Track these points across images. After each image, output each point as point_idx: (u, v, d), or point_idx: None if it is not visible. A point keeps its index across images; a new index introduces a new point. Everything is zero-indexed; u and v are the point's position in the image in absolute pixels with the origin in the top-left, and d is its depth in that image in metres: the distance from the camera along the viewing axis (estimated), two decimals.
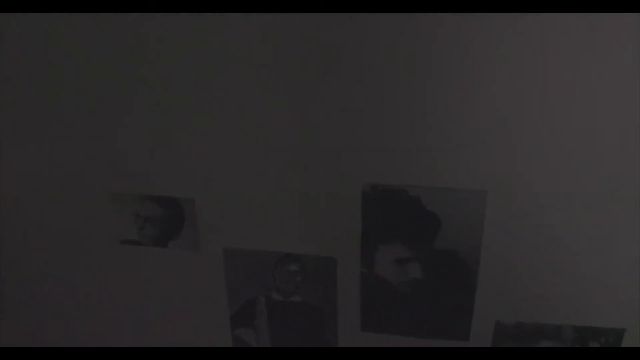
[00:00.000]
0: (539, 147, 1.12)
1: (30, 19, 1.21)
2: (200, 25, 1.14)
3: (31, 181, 1.38)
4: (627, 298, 1.26)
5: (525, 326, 1.31)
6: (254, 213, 1.30)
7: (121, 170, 1.32)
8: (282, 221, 1.29)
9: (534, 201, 1.16)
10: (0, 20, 1.22)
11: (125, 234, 1.40)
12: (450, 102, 1.11)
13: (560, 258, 1.21)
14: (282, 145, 1.21)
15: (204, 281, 1.40)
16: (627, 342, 1.29)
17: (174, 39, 1.16)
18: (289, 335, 1.42)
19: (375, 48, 1.10)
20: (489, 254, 1.24)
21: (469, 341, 1.34)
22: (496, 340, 1.33)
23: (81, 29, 1.19)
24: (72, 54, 1.22)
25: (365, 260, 1.28)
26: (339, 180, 1.22)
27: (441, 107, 1.12)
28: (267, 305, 1.40)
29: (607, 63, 1.04)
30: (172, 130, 1.25)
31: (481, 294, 1.28)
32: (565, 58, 1.04)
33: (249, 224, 1.31)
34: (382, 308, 1.33)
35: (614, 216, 1.16)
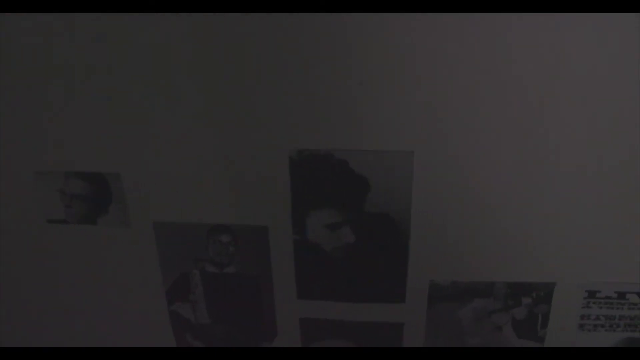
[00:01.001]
0: (462, 107, 1.12)
1: None
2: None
3: None
4: (555, 252, 1.27)
5: (459, 285, 1.32)
6: (181, 185, 1.27)
7: (44, 148, 1.28)
8: (211, 192, 1.27)
9: (460, 160, 1.16)
10: None
11: (52, 213, 1.36)
12: (373, 63, 1.10)
13: (489, 216, 1.22)
14: (206, 115, 1.19)
15: (136, 257, 1.38)
16: (557, 296, 1.31)
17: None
18: (226, 307, 1.41)
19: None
20: (419, 215, 1.24)
21: (405, 303, 1.34)
22: (432, 300, 1.33)
23: None
24: None
25: (297, 227, 1.27)
26: (265, 147, 1.20)
27: (364, 70, 1.10)
28: (202, 278, 1.38)
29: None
30: (92, 103, 1.21)
31: (414, 255, 1.28)
32: (485, 18, 1.04)
33: (178, 196, 1.28)
34: (317, 274, 1.33)
35: (539, 170, 1.16)
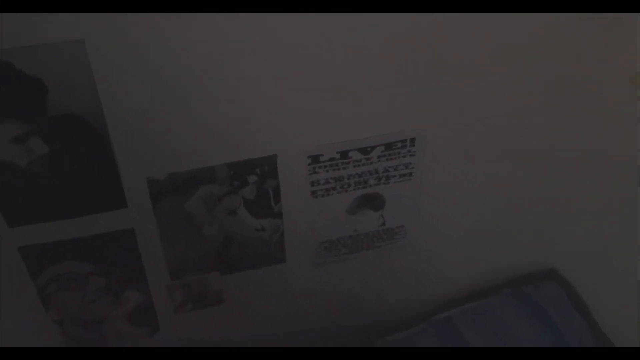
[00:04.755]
0: None
1: None
2: None
3: None
4: (271, 124, 1.22)
5: (178, 176, 1.23)
6: None
7: None
8: None
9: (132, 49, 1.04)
10: None
11: None
12: None
13: (197, 101, 1.13)
14: None
15: None
16: (282, 167, 1.27)
17: None
18: None
19: None
20: (113, 111, 1.11)
21: (128, 208, 1.24)
22: (155, 199, 1.24)
23: None
24: None
25: None
26: None
27: None
28: None
29: None
30: None
31: (121, 155, 1.17)
32: None
33: None
34: (21, 196, 1.18)
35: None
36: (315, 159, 1.28)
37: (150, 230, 1.29)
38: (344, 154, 1.29)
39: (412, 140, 1.31)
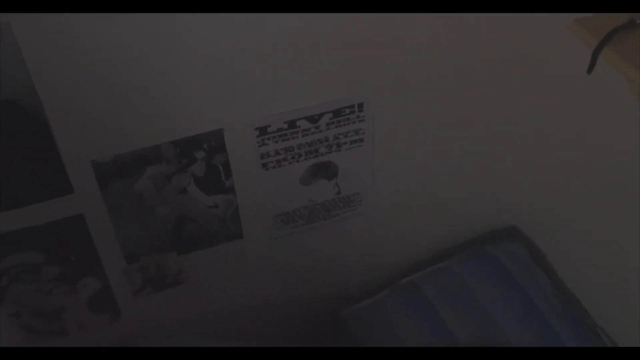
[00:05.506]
0: None
1: None
2: None
3: None
4: (217, 97, 1.19)
5: (124, 157, 1.21)
6: None
7: None
8: None
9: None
10: None
11: None
12: None
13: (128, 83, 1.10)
14: None
15: None
16: (230, 141, 1.26)
17: None
18: None
19: None
20: (50, 95, 1.08)
21: (75, 193, 1.21)
22: (102, 182, 1.21)
23: None
24: None
25: None
26: None
27: None
28: None
29: None
30: None
31: (62, 139, 1.14)
32: None
33: None
34: None
35: None
36: (262, 130, 1.26)
37: (100, 214, 1.27)
38: (292, 124, 1.28)
39: (360, 105, 1.30)
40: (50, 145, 1.14)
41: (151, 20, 1.05)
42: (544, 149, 1.51)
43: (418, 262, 1.65)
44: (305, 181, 1.38)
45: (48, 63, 1.05)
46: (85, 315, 1.42)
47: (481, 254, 1.63)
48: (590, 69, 1.10)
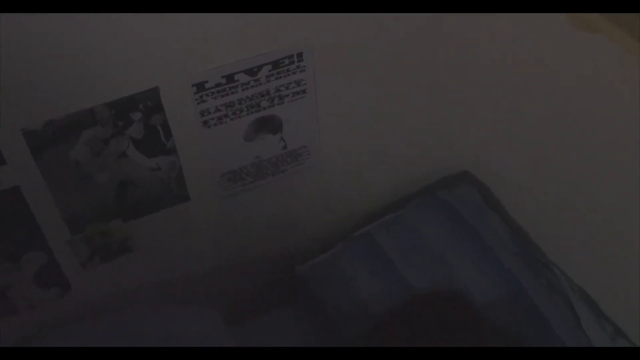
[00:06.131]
0: None
1: None
2: None
3: None
4: (157, 56, 1.14)
5: (56, 123, 1.16)
6: None
7: None
8: None
9: None
10: None
11: None
12: None
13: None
14: None
15: None
16: (166, 100, 1.21)
17: None
18: None
19: None
20: None
21: (7, 164, 1.17)
22: (35, 151, 1.16)
23: None
24: None
25: None
26: None
27: None
28: None
29: None
30: None
31: None
32: None
33: None
34: None
35: None
36: (200, 86, 1.22)
37: (37, 185, 1.22)
38: (230, 78, 1.24)
39: (300, 55, 1.27)
40: None
41: None
42: (495, 92, 1.49)
43: (371, 213, 1.63)
44: (249, 137, 1.34)
45: None
46: (33, 291, 1.37)
47: (433, 200, 1.62)
48: None
